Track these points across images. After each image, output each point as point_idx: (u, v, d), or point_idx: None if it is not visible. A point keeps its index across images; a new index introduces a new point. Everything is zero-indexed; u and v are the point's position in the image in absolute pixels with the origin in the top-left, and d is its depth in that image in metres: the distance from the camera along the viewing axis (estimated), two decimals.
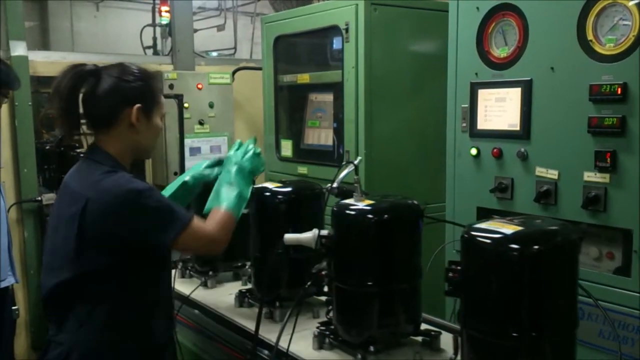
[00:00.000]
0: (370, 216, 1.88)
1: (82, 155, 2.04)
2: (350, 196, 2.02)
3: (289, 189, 2.33)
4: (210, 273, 2.75)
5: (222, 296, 2.60)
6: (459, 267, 1.67)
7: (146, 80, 1.99)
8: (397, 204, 1.99)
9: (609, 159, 2.22)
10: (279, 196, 2.30)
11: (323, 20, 3.59)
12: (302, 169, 3.86)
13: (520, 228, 1.59)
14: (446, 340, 1.98)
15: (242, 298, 2.48)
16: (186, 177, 2.38)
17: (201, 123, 5.23)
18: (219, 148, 5.25)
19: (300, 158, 3.98)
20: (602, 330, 2.28)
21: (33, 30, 8.28)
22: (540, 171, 2.46)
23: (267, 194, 2.33)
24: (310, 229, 2.00)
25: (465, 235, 1.63)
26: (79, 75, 1.92)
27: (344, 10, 3.38)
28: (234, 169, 2.18)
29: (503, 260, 1.54)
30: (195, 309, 2.57)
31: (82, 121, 2.00)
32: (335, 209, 1.97)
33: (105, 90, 1.92)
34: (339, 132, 3.60)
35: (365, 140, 3.38)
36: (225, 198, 2.09)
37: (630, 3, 2.16)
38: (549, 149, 2.43)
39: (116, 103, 1.93)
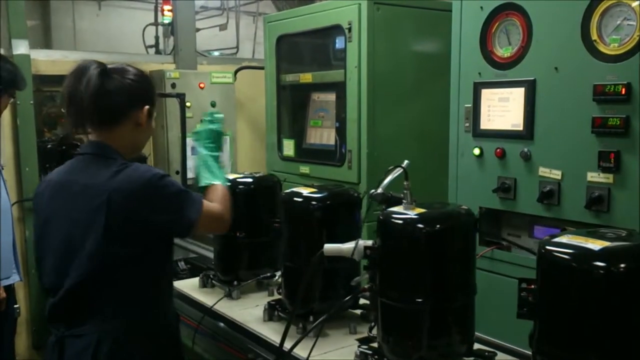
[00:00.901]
0: (420, 226, 1.71)
1: (79, 152, 2.04)
2: (394, 203, 1.89)
3: (324, 195, 2.19)
4: (235, 283, 2.58)
5: (249, 308, 2.44)
6: (533, 286, 1.51)
7: (150, 82, 2.10)
8: (450, 212, 1.83)
9: (612, 160, 2.22)
10: (313, 202, 2.16)
11: (326, 20, 3.58)
12: (304, 169, 3.85)
13: (606, 243, 1.41)
14: None
15: (271, 311, 2.31)
16: None
17: None
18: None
19: (302, 157, 3.97)
20: None
21: (35, 29, 8.27)
22: (543, 171, 2.46)
23: (300, 199, 2.19)
24: (346, 238, 1.88)
25: (543, 250, 1.47)
26: (86, 73, 1.95)
27: (347, 9, 3.37)
28: (207, 142, 2.30)
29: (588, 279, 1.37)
30: (220, 321, 2.41)
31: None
32: (381, 217, 1.80)
33: (117, 89, 1.97)
34: (341, 132, 3.59)
35: (367, 140, 3.37)
36: (216, 174, 2.19)
37: (635, 3, 2.16)
38: (553, 149, 2.43)
39: (127, 103, 2.00)
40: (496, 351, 1.89)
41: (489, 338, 2.01)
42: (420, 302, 1.71)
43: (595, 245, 1.39)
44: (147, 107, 2.03)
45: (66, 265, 1.93)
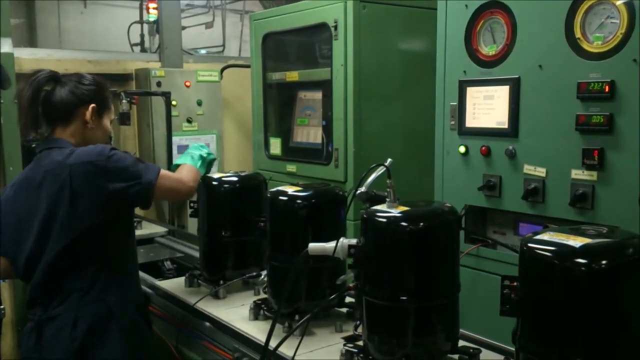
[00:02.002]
0: (404, 224, 1.71)
1: (38, 150, 2.24)
2: (378, 201, 1.88)
3: (309, 193, 2.18)
4: (221, 282, 2.56)
5: (235, 307, 2.42)
6: (515, 284, 1.51)
7: (100, 86, 2.30)
8: (434, 210, 1.82)
9: (596, 157, 2.23)
10: (298, 201, 2.15)
11: (312, 18, 3.58)
12: (291, 167, 3.85)
13: (587, 240, 1.41)
14: (486, 358, 1.87)
15: (257, 310, 2.29)
16: None
17: (189, 121, 5.21)
18: (207, 146, 5.22)
19: (289, 156, 3.96)
20: None
21: (19, 28, 8.19)
22: (528, 169, 2.47)
23: (285, 198, 2.17)
24: (331, 237, 1.87)
25: (524, 248, 1.47)
26: (39, 79, 2.20)
27: (333, 7, 3.37)
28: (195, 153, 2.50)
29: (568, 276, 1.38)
30: (205, 320, 2.38)
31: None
32: (365, 215, 1.80)
33: (65, 90, 2.22)
34: (328, 130, 3.59)
35: (354, 139, 3.37)
36: (189, 159, 2.43)
37: (618, 2, 2.17)
38: (537, 147, 2.44)
39: (74, 101, 2.22)
40: (480, 348, 1.89)
41: (473, 335, 2.01)
42: (404, 300, 1.71)
43: (577, 242, 1.40)
44: (92, 105, 2.24)
45: (42, 247, 2.11)
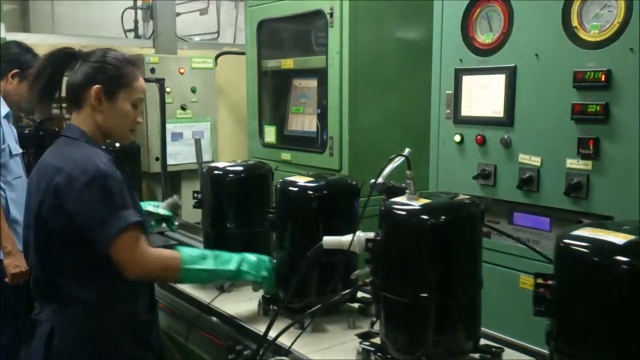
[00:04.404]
0: (425, 217, 1.62)
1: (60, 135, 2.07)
2: (396, 193, 1.79)
3: (321, 184, 2.08)
4: None
5: (242, 302, 2.31)
6: (550, 282, 1.40)
7: (115, 64, 2.00)
8: (456, 203, 1.71)
9: (591, 146, 2.23)
10: (310, 192, 2.05)
11: (307, 5, 3.55)
12: (286, 155, 3.84)
13: (630, 237, 1.32)
14: (509, 358, 1.81)
15: (266, 305, 2.20)
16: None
17: (183, 108, 5.18)
18: (201, 133, 5.21)
19: (283, 144, 3.95)
20: None
21: (13, 13, 8.11)
22: (523, 158, 2.47)
23: (295, 189, 2.08)
24: (344, 229, 1.79)
25: (561, 245, 1.37)
26: (58, 57, 2.01)
27: None
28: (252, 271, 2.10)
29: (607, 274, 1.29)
30: (213, 316, 2.29)
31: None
32: (383, 208, 1.70)
33: (75, 72, 2.00)
34: (323, 119, 3.58)
35: (349, 127, 3.36)
36: (200, 262, 2.00)
37: None
38: (532, 136, 2.43)
39: (80, 83, 1.98)
40: (503, 347, 1.80)
41: (494, 333, 1.92)
42: (425, 297, 1.63)
43: (618, 239, 1.31)
44: (96, 86, 1.95)
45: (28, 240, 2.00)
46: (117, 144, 3.04)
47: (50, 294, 1.95)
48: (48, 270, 1.95)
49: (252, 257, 2.11)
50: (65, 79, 2.04)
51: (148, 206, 2.61)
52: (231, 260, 2.06)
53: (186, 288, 2.48)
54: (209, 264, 2.01)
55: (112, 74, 1.99)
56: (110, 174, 1.87)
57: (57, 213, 1.86)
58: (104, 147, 2.07)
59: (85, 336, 1.93)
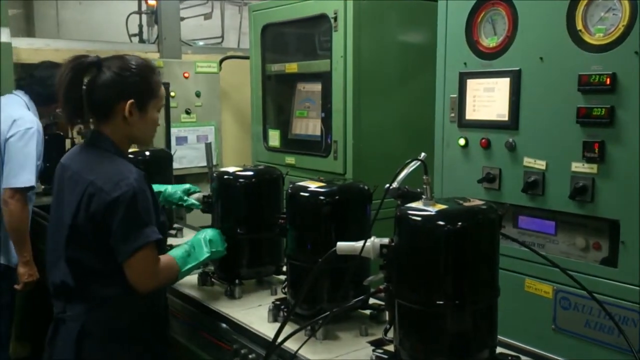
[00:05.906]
0: (442, 223, 1.59)
1: (83, 140, 2.15)
2: (412, 198, 1.78)
3: (333, 189, 2.06)
4: (237, 281, 2.42)
5: (252, 308, 2.29)
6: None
7: (143, 75, 2.07)
8: (473, 209, 1.68)
9: (597, 150, 2.22)
10: (322, 197, 2.04)
11: (311, 9, 3.56)
12: (290, 159, 3.84)
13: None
14: None
15: (276, 311, 2.16)
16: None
17: (188, 112, 5.20)
18: (205, 137, 5.22)
19: (288, 148, 3.95)
20: (588, 321, 2.29)
21: (17, 18, 8.15)
22: (528, 161, 2.46)
23: (307, 194, 2.06)
24: (356, 235, 1.78)
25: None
26: (80, 66, 2.02)
27: None
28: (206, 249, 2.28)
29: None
30: (222, 322, 2.24)
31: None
32: (398, 213, 1.68)
33: (104, 83, 2.02)
34: (327, 122, 3.58)
35: (353, 131, 3.36)
36: (189, 261, 2.19)
37: None
38: (537, 140, 2.43)
39: (111, 97, 2.03)
40: (520, 355, 1.79)
41: (508, 340, 1.91)
42: (441, 305, 1.60)
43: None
44: (131, 101, 2.02)
45: (57, 244, 2.03)
46: (147, 152, 3.01)
47: (76, 296, 2.01)
48: (78, 273, 2.00)
49: (210, 233, 2.30)
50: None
51: (181, 188, 2.69)
52: (202, 247, 2.25)
53: (192, 292, 2.49)
54: (193, 260, 2.20)
55: (143, 87, 2.07)
56: (139, 192, 1.95)
57: (89, 223, 1.95)
58: (139, 156, 2.18)
59: (117, 336, 2.02)
